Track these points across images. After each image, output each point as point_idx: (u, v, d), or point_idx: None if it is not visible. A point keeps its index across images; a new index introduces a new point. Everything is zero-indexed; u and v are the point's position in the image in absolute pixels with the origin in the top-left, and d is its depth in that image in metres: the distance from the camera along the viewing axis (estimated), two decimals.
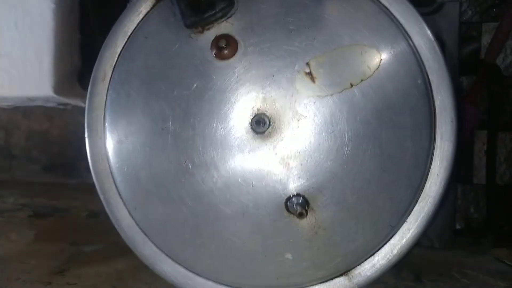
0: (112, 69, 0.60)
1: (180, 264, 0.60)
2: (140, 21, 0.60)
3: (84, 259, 0.88)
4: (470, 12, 0.99)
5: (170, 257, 0.60)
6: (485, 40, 0.98)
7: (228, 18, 0.56)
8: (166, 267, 0.61)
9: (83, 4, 0.84)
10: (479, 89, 0.90)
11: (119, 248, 0.88)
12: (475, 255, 0.89)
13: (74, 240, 0.97)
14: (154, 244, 0.61)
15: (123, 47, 0.60)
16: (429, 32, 0.55)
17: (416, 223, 0.56)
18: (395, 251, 0.57)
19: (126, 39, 0.60)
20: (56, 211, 1.18)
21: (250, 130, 0.56)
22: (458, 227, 1.00)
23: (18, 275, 0.79)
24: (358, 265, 0.57)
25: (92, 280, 0.78)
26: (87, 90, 0.82)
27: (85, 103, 0.88)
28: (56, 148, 1.39)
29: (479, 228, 1.01)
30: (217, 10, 0.56)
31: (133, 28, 0.60)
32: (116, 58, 0.61)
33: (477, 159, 1.00)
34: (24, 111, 1.39)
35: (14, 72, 0.80)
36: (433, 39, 0.55)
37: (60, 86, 0.81)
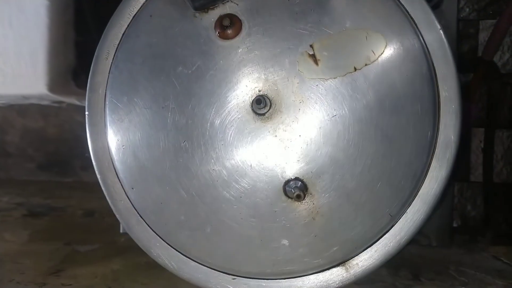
0: (115, 48, 0.60)
1: (174, 248, 0.59)
2: (146, 0, 0.60)
3: (80, 259, 0.88)
4: (467, 9, 0.99)
5: (164, 240, 0.59)
6: (482, 37, 0.99)
7: None
8: (161, 250, 0.60)
9: (78, 1, 0.84)
10: (477, 87, 0.90)
11: (115, 248, 0.89)
12: (472, 253, 0.88)
13: (69, 240, 0.96)
14: (149, 226, 0.60)
15: (127, 26, 0.60)
16: (436, 21, 0.55)
17: (417, 215, 0.55)
18: (394, 243, 0.56)
19: (131, 19, 0.60)
20: (51, 210, 1.17)
21: (250, 111, 0.55)
22: (455, 225, 0.99)
23: (11, 276, 0.78)
24: (356, 255, 0.56)
25: (88, 280, 0.77)
26: (82, 88, 0.82)
27: (80, 101, 0.88)
28: (51, 146, 1.38)
29: (476, 226, 1.00)
30: None
31: (139, 7, 0.60)
32: (120, 37, 0.60)
33: (474, 156, 1.00)
34: (19, 109, 1.39)
35: (8, 70, 0.80)
36: (440, 28, 0.54)
37: (55, 84, 0.80)
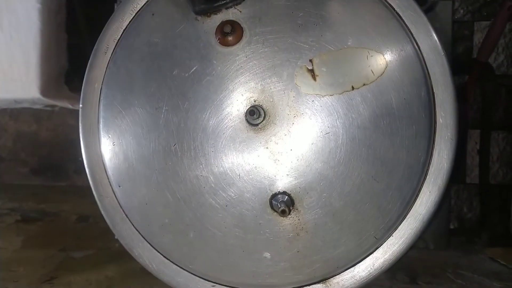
0: (115, 43, 0.60)
1: (157, 250, 0.59)
2: None
3: (74, 265, 0.87)
4: (462, 11, 0.98)
5: (147, 241, 0.59)
6: (477, 39, 0.98)
7: (237, 4, 0.55)
8: (143, 251, 0.59)
9: (70, 4, 0.83)
10: (472, 88, 0.89)
11: (110, 254, 0.88)
12: (469, 255, 0.88)
13: (63, 246, 0.95)
14: (133, 226, 0.59)
15: (129, 23, 0.60)
16: (439, 45, 0.54)
17: (402, 239, 0.55)
18: (377, 265, 0.55)
19: (133, 15, 0.59)
20: (45, 215, 1.16)
21: (244, 120, 0.55)
22: (451, 227, 0.99)
23: (5, 284, 0.77)
24: (337, 274, 0.56)
25: None
26: (74, 92, 0.81)
27: (72, 105, 0.87)
28: (44, 150, 1.36)
29: (472, 227, 1.00)
30: (228, 0, 0.55)
31: (142, 4, 0.59)
32: (121, 33, 0.60)
33: (470, 158, 0.99)
34: (11, 113, 1.37)
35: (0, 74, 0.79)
36: (443, 53, 0.54)
37: (47, 88, 0.79)
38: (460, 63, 0.96)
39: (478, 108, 0.98)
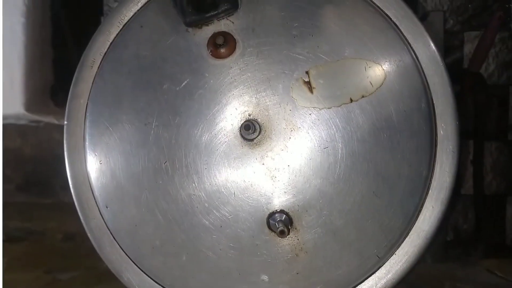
0: (102, 57, 0.57)
1: (147, 274, 0.56)
2: (139, 10, 0.57)
3: None
4: (451, 21, 0.97)
5: (137, 265, 0.56)
6: (467, 49, 0.98)
7: (229, 15, 0.53)
8: (132, 275, 0.56)
9: (55, 18, 0.81)
10: (464, 99, 0.89)
11: (97, 274, 0.83)
12: (466, 267, 0.86)
13: (49, 267, 0.92)
14: (122, 249, 0.56)
15: (116, 35, 0.57)
16: (438, 55, 0.52)
17: (406, 257, 0.52)
18: (380, 285, 0.53)
19: (121, 27, 0.57)
20: (30, 234, 1.12)
21: (238, 135, 0.52)
22: (447, 239, 0.97)
23: None
24: None
25: None
26: (60, 107, 0.79)
27: (58, 120, 0.85)
28: (29, 166, 1.33)
29: (468, 239, 0.98)
30: (220, 11, 0.54)
31: (130, 16, 0.57)
32: (107, 46, 0.57)
33: (464, 169, 0.98)
34: None
35: None
36: (442, 64, 0.52)
37: (32, 103, 0.78)
38: (451, 73, 0.96)
39: (471, 119, 0.97)
